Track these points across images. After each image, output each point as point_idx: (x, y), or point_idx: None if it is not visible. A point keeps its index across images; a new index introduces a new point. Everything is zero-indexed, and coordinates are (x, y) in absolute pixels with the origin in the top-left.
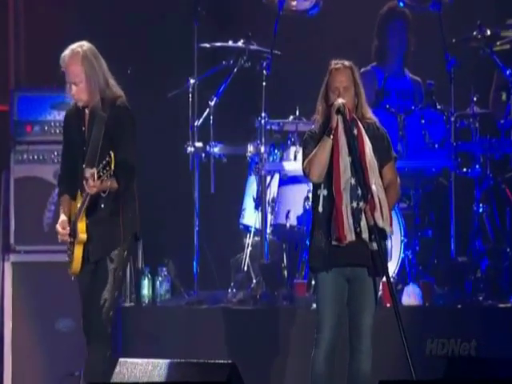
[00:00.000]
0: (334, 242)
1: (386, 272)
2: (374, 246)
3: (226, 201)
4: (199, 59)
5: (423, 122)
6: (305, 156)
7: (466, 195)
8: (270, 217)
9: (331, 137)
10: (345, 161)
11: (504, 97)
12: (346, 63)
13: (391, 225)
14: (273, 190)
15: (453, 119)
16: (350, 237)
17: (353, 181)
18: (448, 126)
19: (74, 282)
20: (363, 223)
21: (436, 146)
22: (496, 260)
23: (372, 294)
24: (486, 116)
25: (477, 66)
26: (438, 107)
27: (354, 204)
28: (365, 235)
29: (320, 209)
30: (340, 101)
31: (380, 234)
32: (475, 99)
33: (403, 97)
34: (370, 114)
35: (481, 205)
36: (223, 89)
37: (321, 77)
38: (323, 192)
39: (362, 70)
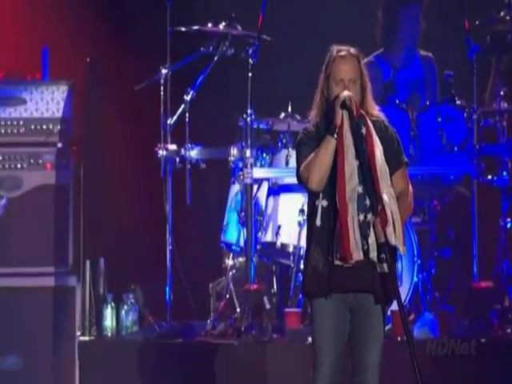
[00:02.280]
0: (336, 262)
1: (398, 299)
2: (385, 267)
3: (205, 214)
4: (173, 45)
5: (440, 120)
6: (300, 160)
7: (491, 207)
8: (257, 233)
9: (335, 136)
10: (351, 165)
11: None
12: (352, 51)
13: (404, 243)
14: (260, 202)
15: (475, 117)
16: (357, 255)
17: (360, 189)
18: (469, 124)
19: (20, 313)
20: (372, 240)
21: (455, 148)
22: None
23: (379, 326)
24: None
25: (506, 51)
26: (458, 102)
27: (361, 217)
28: (373, 254)
29: (318, 222)
30: (346, 93)
31: (391, 254)
32: (502, 93)
33: (413, 88)
34: (376, 111)
35: (509, 219)
36: (201, 80)
37: (319, 66)
38: (322, 202)
39: (365, 60)
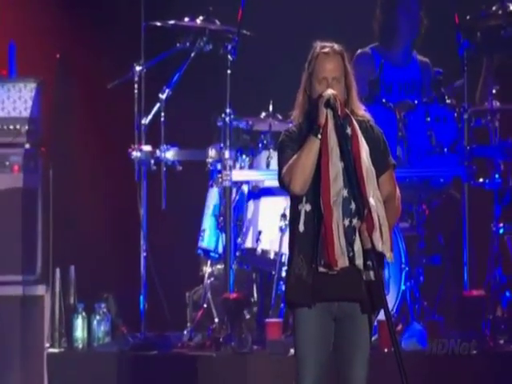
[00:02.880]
0: (321, 269)
1: (385, 308)
2: (371, 274)
3: (182, 219)
4: (147, 41)
5: (429, 119)
6: (283, 162)
7: (482, 212)
8: (236, 239)
9: (319, 136)
10: (336, 167)
11: None
12: (336, 47)
13: (391, 249)
14: (240, 206)
15: (466, 116)
16: (343, 262)
17: (345, 192)
18: (460, 125)
19: None
20: (357, 246)
21: (445, 150)
22: None
23: (365, 337)
24: (509, 112)
25: (498, 48)
26: (448, 101)
27: (347, 221)
28: (359, 261)
29: (301, 228)
30: (330, 91)
31: (377, 261)
32: (494, 91)
33: (408, 90)
34: (362, 110)
35: (501, 224)
36: (177, 78)
37: (302, 63)
38: (305, 207)
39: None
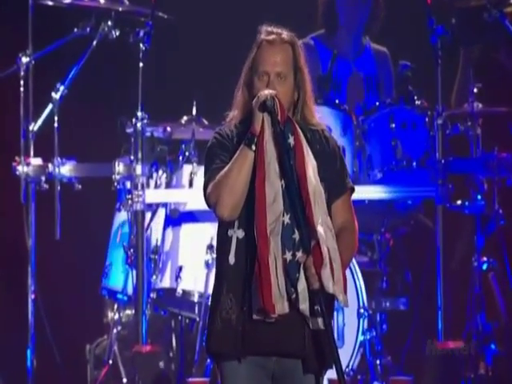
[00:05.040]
0: (254, 316)
1: (337, 365)
2: (319, 322)
3: (81, 252)
4: (36, 25)
5: (393, 126)
6: (210, 175)
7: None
8: (150, 277)
9: (253, 148)
10: (274, 187)
11: None
12: (285, 35)
13: (345, 290)
14: (155, 235)
15: (440, 122)
16: (282, 307)
17: (287, 219)
18: (432, 132)
19: None
20: (302, 286)
21: (414, 164)
22: (509, 346)
23: None
24: (494, 117)
25: (479, 37)
26: (417, 103)
27: (289, 255)
28: (303, 305)
29: (231, 259)
30: (267, 92)
31: (327, 305)
32: (476, 90)
33: (360, 90)
34: (316, 118)
35: (485, 258)
36: (76, 73)
37: (234, 55)
38: (237, 233)
39: (300, 42)
